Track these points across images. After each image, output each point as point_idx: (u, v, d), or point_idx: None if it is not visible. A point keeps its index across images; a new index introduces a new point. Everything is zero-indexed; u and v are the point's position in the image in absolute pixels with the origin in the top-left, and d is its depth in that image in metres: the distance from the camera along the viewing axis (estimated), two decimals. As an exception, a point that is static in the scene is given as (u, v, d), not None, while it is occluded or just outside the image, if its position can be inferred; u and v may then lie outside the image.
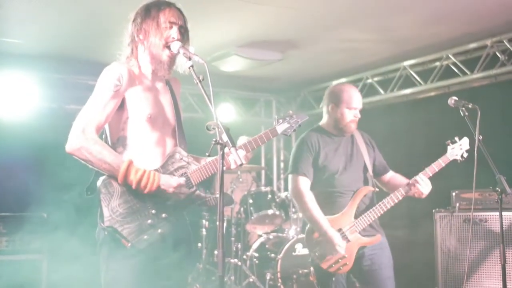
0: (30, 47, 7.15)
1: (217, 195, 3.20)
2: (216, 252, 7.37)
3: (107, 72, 3.28)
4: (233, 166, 3.24)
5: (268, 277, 7.16)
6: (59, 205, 6.03)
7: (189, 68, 3.21)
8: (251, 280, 7.36)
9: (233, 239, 7.61)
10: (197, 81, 3.13)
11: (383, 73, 8.30)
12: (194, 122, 9.09)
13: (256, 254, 7.55)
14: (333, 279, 4.41)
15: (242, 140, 9.41)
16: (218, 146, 2.96)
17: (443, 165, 4.50)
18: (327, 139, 4.67)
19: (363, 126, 4.96)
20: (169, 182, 3.27)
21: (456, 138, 4.56)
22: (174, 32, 3.38)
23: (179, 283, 3.45)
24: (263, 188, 7.91)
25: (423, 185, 4.41)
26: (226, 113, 9.31)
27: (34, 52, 7.34)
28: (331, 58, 7.88)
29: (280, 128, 3.74)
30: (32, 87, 7.69)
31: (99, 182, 3.23)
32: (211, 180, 3.54)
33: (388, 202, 4.46)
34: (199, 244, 7.80)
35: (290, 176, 4.68)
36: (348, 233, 4.41)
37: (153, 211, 3.26)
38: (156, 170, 3.29)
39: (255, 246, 7.63)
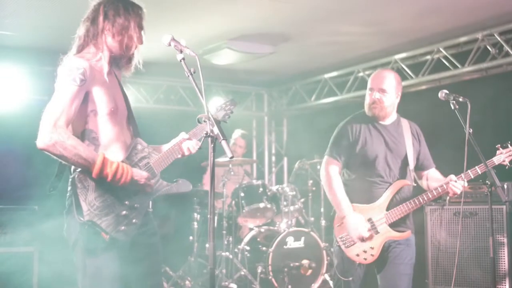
0: (21, 39, 7.13)
1: (177, 182, 3.55)
2: (207, 245, 7.39)
3: (71, 67, 3.26)
4: (186, 153, 3.58)
5: (259, 270, 7.17)
6: (50, 197, 6.01)
7: (180, 61, 3.23)
8: (242, 273, 7.37)
9: (224, 232, 7.61)
10: (188, 74, 3.16)
11: (374, 66, 8.30)
12: (185, 115, 9.14)
13: (248, 247, 7.56)
14: (357, 267, 4.33)
15: (237, 133, 9.43)
16: (209, 139, 2.99)
17: (487, 168, 4.28)
18: (371, 126, 4.51)
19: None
20: (141, 174, 3.36)
21: (509, 143, 4.42)
22: (143, 36, 3.50)
23: (156, 265, 3.57)
24: (254, 181, 7.91)
25: (458, 185, 4.30)
26: (217, 103, 9.31)
27: (25, 44, 7.31)
28: (322, 51, 7.90)
29: (219, 115, 3.88)
30: (23, 79, 7.66)
31: (73, 176, 3.26)
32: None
33: (423, 199, 4.34)
34: (191, 238, 7.80)
35: (324, 157, 4.61)
36: (378, 224, 4.33)
37: (127, 202, 3.33)
38: (121, 161, 3.35)
39: (246, 239, 7.64)
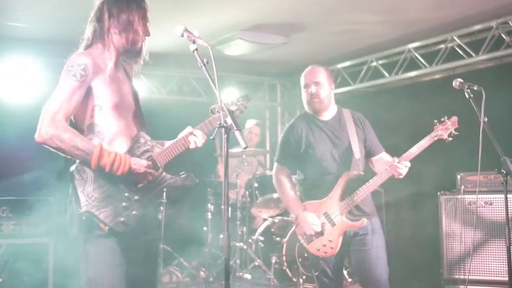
0: (36, 32, 7.15)
1: (182, 176, 3.53)
2: (221, 235, 7.41)
3: (72, 63, 3.34)
4: (192, 146, 3.57)
5: (273, 261, 7.18)
6: (65, 188, 6.06)
7: (193, 51, 3.24)
8: (256, 263, 7.39)
9: (238, 223, 7.62)
10: (202, 64, 3.17)
11: (387, 56, 8.28)
12: (198, 106, 9.15)
13: (262, 238, 7.58)
14: (320, 261, 4.48)
15: (250, 123, 9.41)
16: (223, 129, 2.99)
17: (427, 145, 4.42)
18: (312, 124, 4.65)
19: (367, 110, 4.95)
20: (140, 162, 3.37)
21: (445, 117, 4.49)
22: (149, 28, 3.54)
23: (153, 258, 3.65)
24: (268, 172, 7.92)
25: (402, 167, 4.35)
26: (230, 97, 9.30)
27: (40, 37, 7.34)
28: (335, 41, 7.86)
29: (231, 109, 3.79)
30: (38, 71, 7.69)
31: (72, 169, 3.30)
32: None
33: (372, 185, 4.41)
34: (205, 228, 7.83)
35: (274, 164, 4.84)
36: (333, 216, 4.42)
37: (126, 194, 3.35)
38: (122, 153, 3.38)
39: (260, 229, 7.65)
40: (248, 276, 7.31)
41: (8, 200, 6.52)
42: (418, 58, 7.80)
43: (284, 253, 7.11)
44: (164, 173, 3.52)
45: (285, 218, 7.63)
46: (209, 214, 7.81)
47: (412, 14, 6.75)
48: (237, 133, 3.00)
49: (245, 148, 3.03)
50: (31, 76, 7.69)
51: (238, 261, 7.40)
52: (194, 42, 3.26)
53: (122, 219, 3.29)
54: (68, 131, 3.21)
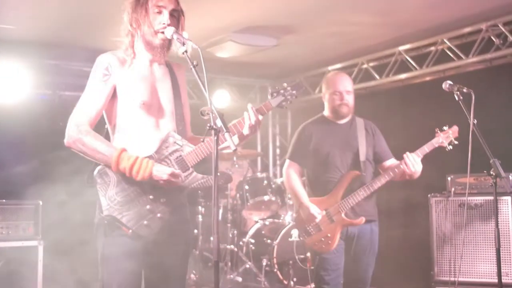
0: (23, 33, 7.10)
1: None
2: (212, 238, 7.40)
3: (96, 63, 3.35)
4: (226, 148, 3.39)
5: (264, 263, 7.18)
6: (54, 192, 6.03)
7: (183, 53, 3.22)
8: (247, 266, 7.38)
9: (229, 225, 7.61)
10: (191, 66, 3.14)
11: (378, 58, 8.29)
12: (189, 108, 9.12)
13: (252, 240, 7.57)
14: (317, 257, 4.62)
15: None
16: (212, 131, 2.98)
17: (427, 151, 4.58)
18: (325, 126, 4.84)
19: (358, 111, 4.99)
20: (164, 170, 3.25)
21: (446, 126, 4.64)
22: (165, 18, 3.38)
23: (180, 263, 3.50)
24: (259, 174, 7.92)
25: (412, 161, 4.47)
26: (221, 99, 9.29)
27: (27, 38, 7.28)
28: (326, 43, 7.86)
29: (275, 101, 3.65)
30: (26, 73, 7.65)
31: (94, 173, 3.26)
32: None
33: (372, 186, 4.57)
34: (196, 231, 7.81)
35: (286, 161, 5.00)
36: (333, 214, 4.59)
37: (151, 197, 3.28)
38: (150, 155, 3.29)
39: (251, 232, 7.65)
40: (238, 278, 7.31)
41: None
42: (408, 61, 7.81)
43: (275, 255, 7.11)
44: (195, 173, 3.38)
45: (276, 220, 7.63)
46: (200, 216, 7.79)
47: (402, 17, 6.76)
48: (226, 135, 2.98)
49: (234, 150, 3.02)
50: (19, 78, 7.63)
51: (229, 264, 7.39)
52: (183, 44, 3.22)
53: (145, 222, 3.24)
54: (90, 134, 3.22)
